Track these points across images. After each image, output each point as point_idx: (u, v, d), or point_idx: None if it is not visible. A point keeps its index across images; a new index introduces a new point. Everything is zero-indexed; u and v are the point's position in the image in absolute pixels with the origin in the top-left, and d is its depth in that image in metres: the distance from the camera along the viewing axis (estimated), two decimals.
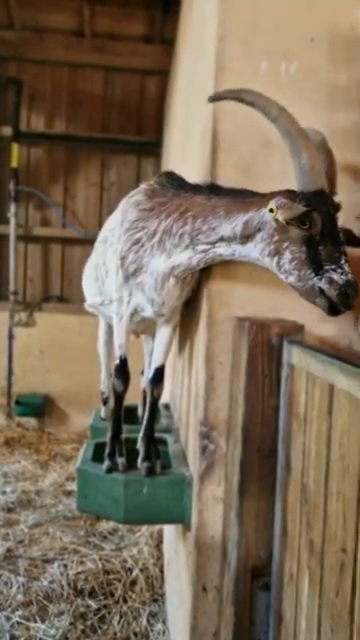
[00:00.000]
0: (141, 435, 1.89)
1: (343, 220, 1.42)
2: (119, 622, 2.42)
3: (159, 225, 1.64)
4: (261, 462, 1.44)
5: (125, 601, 2.56)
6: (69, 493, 3.78)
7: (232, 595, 1.46)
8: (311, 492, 1.19)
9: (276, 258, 1.38)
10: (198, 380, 1.72)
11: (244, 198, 1.46)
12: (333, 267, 1.30)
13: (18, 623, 2.39)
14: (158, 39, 5.35)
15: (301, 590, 1.24)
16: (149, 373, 1.96)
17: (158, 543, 3.05)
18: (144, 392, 2.25)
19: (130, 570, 2.77)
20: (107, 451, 1.88)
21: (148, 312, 1.82)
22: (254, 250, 1.43)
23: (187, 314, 1.98)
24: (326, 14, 1.64)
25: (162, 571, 2.80)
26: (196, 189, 1.60)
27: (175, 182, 1.71)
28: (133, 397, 2.20)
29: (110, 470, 1.83)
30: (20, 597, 2.56)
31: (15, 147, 5.38)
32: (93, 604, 2.53)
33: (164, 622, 2.44)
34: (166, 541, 2.86)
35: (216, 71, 1.62)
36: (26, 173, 5.61)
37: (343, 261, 1.30)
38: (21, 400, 5.26)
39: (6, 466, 4.25)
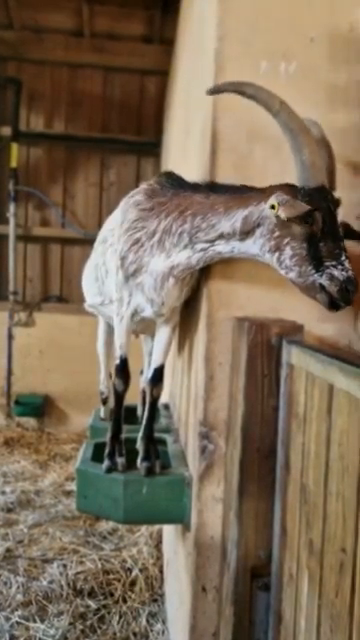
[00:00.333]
0: (140, 435, 1.89)
1: (343, 219, 1.42)
2: (118, 622, 2.42)
3: (159, 225, 1.64)
4: (260, 462, 1.44)
5: (125, 601, 2.56)
6: (69, 493, 3.78)
7: (231, 595, 1.46)
8: (310, 492, 1.19)
9: (277, 254, 1.38)
10: (198, 380, 1.72)
11: (242, 194, 1.46)
12: (334, 263, 1.30)
13: (17, 623, 2.39)
14: (157, 39, 5.34)
15: (300, 590, 1.24)
16: (148, 373, 1.96)
17: (157, 543, 3.05)
18: (143, 392, 2.25)
19: (130, 570, 2.77)
20: (107, 451, 1.88)
21: (148, 312, 1.81)
22: (253, 246, 1.43)
23: (187, 314, 1.98)
24: (326, 14, 1.64)
25: (161, 571, 2.80)
26: (195, 188, 1.59)
27: (175, 182, 1.70)
28: (133, 397, 2.20)
29: (110, 470, 1.83)
30: (19, 597, 2.56)
31: (14, 147, 5.38)
32: (92, 604, 2.53)
33: (164, 622, 2.44)
34: (165, 541, 2.86)
35: (216, 71, 1.62)
36: (25, 173, 5.61)
37: (343, 257, 1.31)
38: (21, 400, 5.26)
39: (5, 466, 4.25)
